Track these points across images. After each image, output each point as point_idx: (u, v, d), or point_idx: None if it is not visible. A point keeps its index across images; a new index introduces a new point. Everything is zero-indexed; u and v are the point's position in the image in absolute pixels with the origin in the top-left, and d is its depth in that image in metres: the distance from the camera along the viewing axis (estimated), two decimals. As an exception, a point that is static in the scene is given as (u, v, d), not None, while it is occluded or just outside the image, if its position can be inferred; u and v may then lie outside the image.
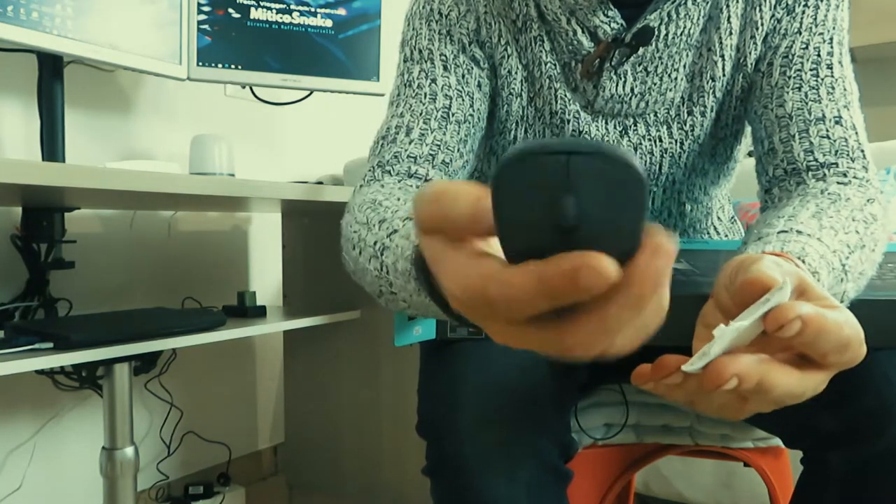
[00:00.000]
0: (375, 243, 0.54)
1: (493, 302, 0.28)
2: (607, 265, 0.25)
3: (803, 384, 0.41)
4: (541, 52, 0.79)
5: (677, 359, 0.40)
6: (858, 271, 0.57)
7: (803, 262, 0.51)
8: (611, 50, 0.75)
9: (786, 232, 0.56)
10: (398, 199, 0.60)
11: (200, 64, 1.46)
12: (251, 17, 1.52)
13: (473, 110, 0.78)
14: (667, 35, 0.75)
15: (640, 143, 0.80)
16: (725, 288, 0.44)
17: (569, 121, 0.79)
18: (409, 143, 0.73)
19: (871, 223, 0.62)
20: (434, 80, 0.77)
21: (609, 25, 0.75)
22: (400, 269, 0.49)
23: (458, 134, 0.76)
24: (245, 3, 1.51)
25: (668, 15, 0.74)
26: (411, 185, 0.70)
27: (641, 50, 0.75)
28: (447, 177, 0.75)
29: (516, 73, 0.80)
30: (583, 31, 0.76)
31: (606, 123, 0.79)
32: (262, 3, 1.53)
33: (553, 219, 0.25)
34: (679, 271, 0.60)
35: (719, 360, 0.38)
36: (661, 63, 0.77)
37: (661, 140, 0.80)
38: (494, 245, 0.31)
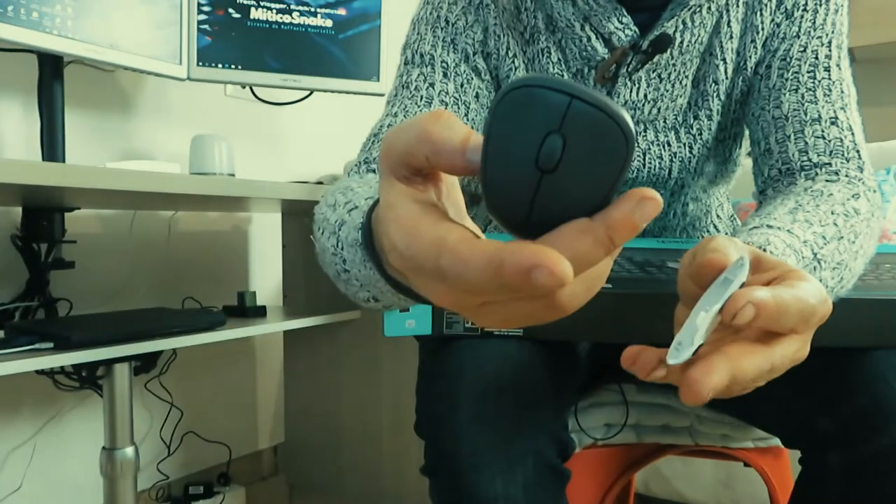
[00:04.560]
0: (336, 221, 0.50)
1: (444, 272, 0.27)
2: (564, 268, 0.25)
3: (770, 359, 0.40)
4: (548, 63, 0.79)
5: (656, 352, 0.40)
6: (836, 261, 0.57)
7: (765, 250, 0.51)
8: (627, 56, 0.75)
9: (757, 227, 0.57)
10: (370, 187, 0.57)
11: (200, 64, 1.46)
12: (251, 17, 1.52)
13: (468, 120, 0.77)
14: (682, 42, 0.75)
15: (650, 149, 0.80)
16: (687, 275, 0.44)
17: None
18: None
19: (853, 216, 0.62)
20: (432, 85, 0.76)
21: (623, 32, 0.75)
22: (350, 239, 0.46)
23: None
24: (245, 3, 1.51)
25: (684, 22, 0.74)
26: None
27: (657, 57, 0.75)
28: None
29: None
30: (597, 38, 0.76)
31: None
32: (262, 3, 1.53)
33: (536, 153, 0.25)
34: (674, 270, 0.60)
35: (695, 379, 0.38)
36: (675, 70, 0.77)
37: (669, 145, 0.80)
38: (454, 211, 0.30)
